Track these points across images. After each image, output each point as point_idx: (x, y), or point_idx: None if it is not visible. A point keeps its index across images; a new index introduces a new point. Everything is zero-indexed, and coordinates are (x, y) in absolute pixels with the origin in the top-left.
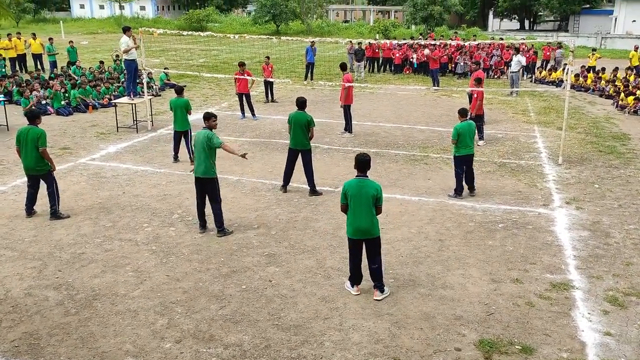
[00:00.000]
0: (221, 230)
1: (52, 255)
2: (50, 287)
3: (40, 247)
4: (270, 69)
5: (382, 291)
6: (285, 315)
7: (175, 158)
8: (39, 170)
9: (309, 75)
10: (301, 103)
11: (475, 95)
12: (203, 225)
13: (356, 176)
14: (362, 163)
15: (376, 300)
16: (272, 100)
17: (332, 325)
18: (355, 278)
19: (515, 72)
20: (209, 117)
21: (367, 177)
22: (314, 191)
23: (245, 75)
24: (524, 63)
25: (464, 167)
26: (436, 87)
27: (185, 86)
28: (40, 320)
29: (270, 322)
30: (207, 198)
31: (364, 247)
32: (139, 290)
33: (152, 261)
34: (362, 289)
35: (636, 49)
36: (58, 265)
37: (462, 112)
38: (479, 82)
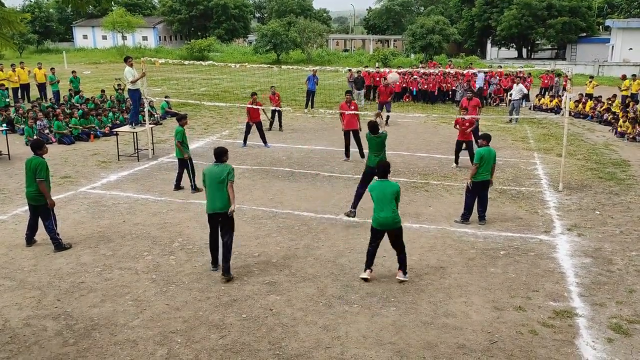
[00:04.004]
0: (228, 271)
1: (51, 284)
2: (49, 317)
3: (40, 277)
4: (277, 97)
5: (405, 273)
6: (286, 345)
7: (177, 186)
8: (38, 200)
9: (310, 103)
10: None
11: (459, 124)
12: (217, 262)
13: (378, 179)
14: (382, 169)
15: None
16: (280, 129)
17: (333, 355)
18: (368, 262)
19: (517, 99)
20: (225, 153)
21: (388, 179)
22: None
23: (255, 105)
24: (525, 91)
25: (478, 194)
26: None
27: (186, 115)
28: (38, 350)
29: (271, 351)
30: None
31: (387, 237)
32: (138, 319)
33: (152, 290)
34: (366, 306)
35: (624, 77)
36: (57, 294)
37: (485, 137)
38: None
